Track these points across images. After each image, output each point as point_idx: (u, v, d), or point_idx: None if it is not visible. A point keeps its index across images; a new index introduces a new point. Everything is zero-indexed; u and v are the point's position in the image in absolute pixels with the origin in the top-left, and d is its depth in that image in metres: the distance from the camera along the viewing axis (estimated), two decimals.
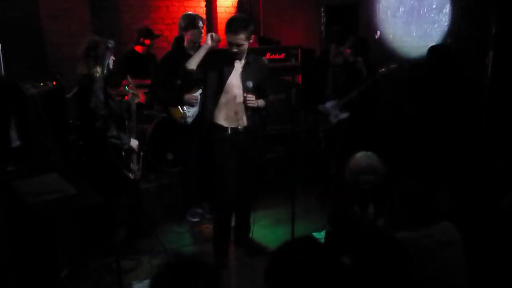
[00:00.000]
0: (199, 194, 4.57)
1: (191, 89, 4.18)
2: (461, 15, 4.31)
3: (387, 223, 2.76)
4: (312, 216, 4.42)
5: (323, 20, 5.93)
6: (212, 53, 3.57)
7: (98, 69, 3.46)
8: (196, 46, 4.28)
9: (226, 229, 3.80)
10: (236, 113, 3.56)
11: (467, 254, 2.27)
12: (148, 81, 4.85)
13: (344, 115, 4.44)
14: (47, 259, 2.91)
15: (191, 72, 3.53)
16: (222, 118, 3.58)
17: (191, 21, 4.21)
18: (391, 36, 5.02)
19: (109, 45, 3.50)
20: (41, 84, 3.52)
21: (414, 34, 4.79)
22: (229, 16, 4.09)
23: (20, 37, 5.33)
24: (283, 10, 6.65)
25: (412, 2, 4.78)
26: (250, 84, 3.50)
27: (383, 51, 5.04)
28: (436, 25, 4.56)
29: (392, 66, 4.21)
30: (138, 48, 5.57)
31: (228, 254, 3.83)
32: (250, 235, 3.99)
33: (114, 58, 3.59)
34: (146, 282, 3.39)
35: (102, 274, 3.48)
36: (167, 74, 4.20)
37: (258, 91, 3.59)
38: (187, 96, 4.22)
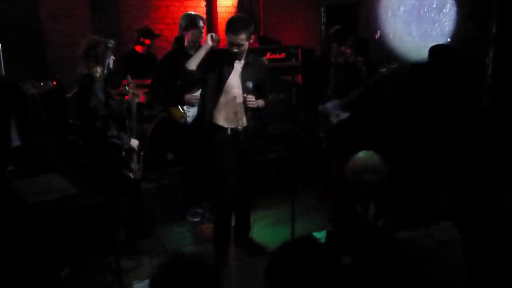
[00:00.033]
0: (199, 194, 4.57)
1: (191, 89, 4.18)
2: (461, 14, 4.31)
3: (387, 223, 2.76)
4: (312, 216, 4.43)
5: (323, 20, 5.93)
6: (211, 53, 3.56)
7: (98, 69, 3.46)
8: (197, 46, 4.28)
9: (226, 229, 3.80)
10: (235, 113, 3.56)
11: (467, 254, 2.27)
12: (148, 81, 4.85)
13: (345, 115, 4.44)
14: (47, 259, 2.91)
15: (191, 72, 3.53)
16: (222, 119, 3.58)
17: (191, 20, 4.21)
18: (391, 36, 5.02)
19: (109, 45, 3.50)
20: (41, 84, 3.52)
21: (414, 34, 4.79)
22: (229, 16, 4.09)
23: (20, 37, 5.34)
24: (283, 9, 6.65)
25: (412, 1, 4.77)
26: (250, 84, 3.50)
27: (383, 51, 5.04)
28: (436, 24, 4.56)
29: (393, 66, 4.20)
30: (138, 48, 5.58)
31: (228, 254, 3.84)
32: (250, 235, 3.99)
33: (114, 58, 3.59)
34: (147, 282, 3.37)
35: (102, 274, 3.49)
36: (168, 74, 4.20)
37: (257, 91, 3.59)
38: (188, 96, 4.21)
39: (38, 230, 2.79)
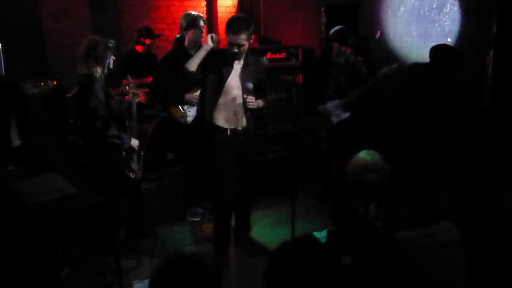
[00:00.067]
0: (199, 194, 4.57)
1: (191, 89, 4.18)
2: (461, 14, 4.31)
3: (387, 223, 2.76)
4: (312, 216, 4.43)
5: (323, 19, 5.93)
6: (211, 53, 3.55)
7: (98, 69, 3.46)
8: (197, 45, 4.27)
9: (226, 229, 3.80)
10: (235, 114, 3.55)
11: (467, 254, 2.27)
12: (149, 79, 4.85)
13: (345, 115, 4.44)
14: (47, 259, 2.91)
15: (191, 73, 3.52)
16: (221, 119, 3.57)
17: (192, 20, 4.20)
18: (391, 35, 5.02)
19: (109, 45, 3.50)
20: (42, 83, 3.52)
21: (415, 33, 4.79)
22: (230, 16, 4.09)
23: (20, 37, 5.34)
24: (283, 9, 6.65)
25: (412, 1, 4.77)
26: (250, 85, 3.50)
27: (383, 51, 5.04)
28: (436, 24, 4.56)
29: (393, 66, 4.20)
30: (139, 48, 5.58)
31: (228, 254, 3.84)
32: (250, 235, 3.99)
33: (114, 58, 3.59)
34: (147, 282, 3.37)
35: (102, 274, 3.48)
36: (168, 73, 4.20)
37: (257, 91, 3.59)
38: (188, 96, 4.22)
39: (38, 230, 2.79)
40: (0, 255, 2.54)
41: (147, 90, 4.89)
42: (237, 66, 3.53)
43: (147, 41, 5.54)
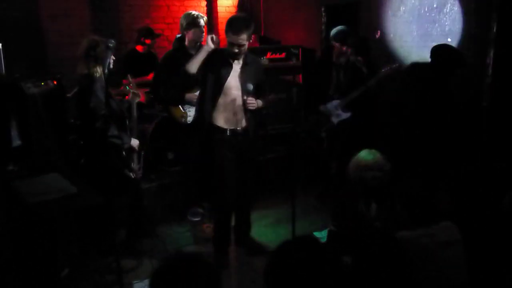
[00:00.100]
0: (199, 193, 4.57)
1: (192, 89, 4.18)
2: (461, 14, 4.31)
3: (387, 223, 2.76)
4: (312, 216, 4.43)
5: (323, 19, 5.93)
6: (210, 53, 3.55)
7: (98, 69, 3.46)
8: (198, 45, 4.28)
9: (226, 229, 3.80)
10: (234, 114, 3.55)
11: (467, 254, 2.27)
12: (149, 77, 4.85)
13: (346, 115, 4.43)
14: (47, 259, 2.92)
15: (191, 75, 3.51)
16: (221, 120, 3.56)
17: (192, 20, 4.20)
18: (391, 35, 5.02)
19: (109, 44, 3.50)
20: (42, 83, 3.52)
21: (415, 33, 4.79)
22: (230, 15, 4.09)
23: (20, 37, 5.33)
24: (283, 9, 6.65)
25: (412, 1, 4.77)
26: (250, 87, 3.49)
27: (383, 51, 5.04)
28: (436, 24, 4.56)
29: (394, 66, 4.20)
30: (139, 48, 5.57)
31: (228, 254, 3.83)
32: (250, 235, 3.99)
33: (114, 58, 3.59)
34: (147, 282, 3.38)
35: (102, 274, 3.48)
36: (168, 73, 4.19)
37: (256, 91, 3.58)
38: (188, 96, 4.22)
39: (38, 230, 2.79)
40: (0, 255, 2.54)
41: (147, 90, 4.89)
42: (236, 66, 3.53)
43: (148, 41, 5.53)
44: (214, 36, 3.51)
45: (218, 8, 7.18)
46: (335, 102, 4.46)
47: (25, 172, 3.04)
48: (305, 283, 1.56)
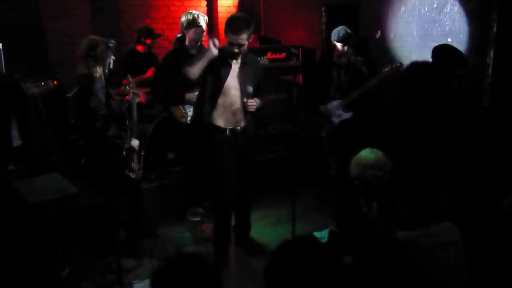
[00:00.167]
0: (199, 193, 4.57)
1: (192, 89, 4.18)
2: (461, 14, 4.31)
3: (387, 223, 2.76)
4: (312, 216, 4.43)
5: (323, 19, 5.93)
6: (206, 49, 3.53)
7: (98, 69, 3.46)
8: (198, 45, 4.28)
9: (226, 229, 3.80)
10: (234, 114, 3.55)
11: (467, 254, 2.27)
12: (148, 74, 4.85)
13: (347, 115, 4.43)
14: (47, 259, 2.92)
15: (192, 80, 3.50)
16: (220, 120, 3.56)
17: (193, 19, 4.19)
18: (391, 35, 5.02)
19: (110, 44, 3.50)
20: (42, 83, 3.52)
21: (415, 33, 4.79)
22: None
23: (20, 37, 5.33)
24: (283, 9, 6.65)
25: (412, 1, 4.77)
26: (250, 89, 3.48)
27: (383, 51, 5.04)
28: (437, 24, 4.56)
29: (395, 66, 4.20)
30: (139, 48, 5.58)
31: (228, 254, 3.84)
32: (250, 235, 3.99)
33: (114, 58, 3.59)
34: (147, 282, 3.39)
35: (102, 274, 3.48)
36: (169, 73, 4.20)
37: (256, 91, 3.58)
38: (189, 95, 4.21)
39: (38, 230, 2.79)
40: (0, 255, 2.54)
41: (147, 89, 4.89)
42: (235, 66, 3.52)
43: (148, 41, 5.53)
44: (216, 40, 3.44)
45: (218, 8, 7.18)
46: (336, 102, 4.45)
47: (25, 172, 3.04)
48: (305, 283, 1.55)
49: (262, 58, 5.33)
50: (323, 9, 5.91)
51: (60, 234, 3.19)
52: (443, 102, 3.83)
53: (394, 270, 2.21)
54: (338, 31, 4.36)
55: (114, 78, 4.08)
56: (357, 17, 5.38)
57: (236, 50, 3.39)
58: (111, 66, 3.57)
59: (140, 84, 4.69)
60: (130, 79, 4.32)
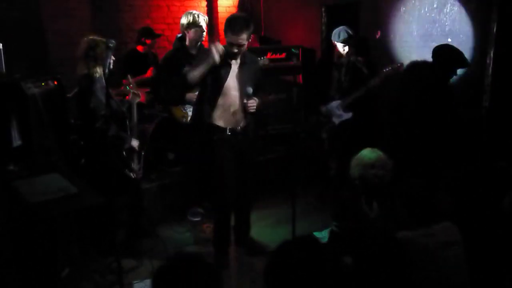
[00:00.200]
0: (199, 193, 4.57)
1: (192, 89, 4.18)
2: (461, 14, 4.31)
3: (387, 223, 2.76)
4: (312, 216, 4.43)
5: (323, 19, 5.93)
6: (206, 51, 3.52)
7: (98, 69, 3.46)
8: (198, 45, 4.28)
9: (226, 229, 3.79)
10: (234, 114, 3.54)
11: (467, 254, 2.27)
12: (147, 75, 4.85)
13: (348, 116, 4.43)
14: (47, 259, 2.92)
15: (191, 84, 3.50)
16: (220, 120, 3.55)
17: (193, 19, 4.19)
18: (391, 35, 5.02)
19: (110, 45, 3.49)
20: (42, 83, 3.51)
21: (415, 33, 4.79)
22: None
23: (20, 37, 5.33)
24: (284, 9, 6.65)
25: (412, 1, 4.78)
26: (250, 90, 3.47)
27: (383, 51, 5.04)
28: (437, 24, 4.56)
29: (396, 66, 4.20)
30: (139, 48, 5.58)
31: (228, 254, 3.83)
32: (250, 235, 3.99)
33: (114, 58, 3.59)
34: (147, 282, 3.40)
35: (102, 274, 3.49)
36: (169, 73, 4.20)
37: (255, 91, 3.57)
38: (189, 95, 4.21)
39: (38, 230, 2.79)
40: (0, 255, 2.54)
41: (148, 90, 4.89)
42: (234, 66, 3.50)
43: (148, 41, 5.53)
44: (219, 46, 3.37)
45: (218, 8, 7.18)
46: (336, 103, 4.45)
47: (25, 172, 3.03)
48: (305, 283, 1.56)
49: (262, 58, 5.33)
50: (323, 9, 5.92)
51: (60, 234, 3.19)
52: (443, 102, 3.83)
53: (394, 270, 2.21)
54: (339, 31, 4.36)
55: (114, 78, 4.08)
56: (357, 17, 5.38)
57: (236, 50, 3.37)
58: (111, 66, 3.56)
59: (140, 84, 4.69)
60: (130, 79, 4.32)
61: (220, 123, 3.55)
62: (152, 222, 4.27)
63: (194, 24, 4.19)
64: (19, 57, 4.74)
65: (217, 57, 3.33)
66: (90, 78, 3.43)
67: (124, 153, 3.73)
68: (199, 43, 4.28)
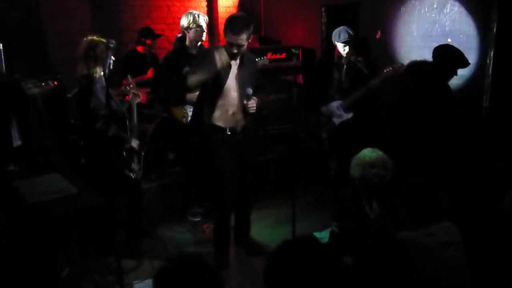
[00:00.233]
0: (199, 193, 4.57)
1: (193, 89, 4.17)
2: (461, 14, 4.31)
3: (387, 223, 2.77)
4: (312, 216, 4.43)
5: (323, 19, 5.93)
6: (207, 53, 3.52)
7: (98, 70, 3.46)
8: (199, 45, 4.27)
9: (226, 229, 3.79)
10: (233, 114, 3.54)
11: (467, 254, 2.27)
12: (147, 76, 4.84)
13: (348, 116, 4.43)
14: (47, 259, 2.92)
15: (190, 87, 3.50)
16: (220, 120, 3.55)
17: (193, 19, 4.18)
18: (391, 35, 5.02)
19: (110, 45, 3.48)
20: (43, 84, 3.51)
21: (415, 33, 4.79)
22: None
23: (20, 37, 5.33)
24: (283, 9, 6.65)
25: (412, 1, 4.78)
26: (250, 91, 3.46)
27: (383, 51, 5.04)
28: (436, 25, 4.56)
29: (396, 66, 4.20)
30: (139, 48, 5.58)
31: (228, 254, 3.83)
32: (250, 235, 3.99)
33: (114, 58, 3.58)
34: (147, 282, 3.40)
35: (102, 274, 3.49)
36: (169, 73, 4.19)
37: (254, 91, 3.57)
38: (189, 96, 4.21)
39: (38, 230, 2.79)
40: (0, 255, 2.54)
41: (148, 90, 4.89)
42: (234, 66, 3.49)
43: (148, 41, 5.54)
44: (224, 56, 3.33)
45: (218, 8, 7.18)
46: (336, 103, 4.45)
47: (25, 172, 3.03)
48: (305, 283, 1.56)
49: (262, 58, 5.33)
50: (323, 9, 5.92)
51: (60, 234, 3.19)
52: (443, 102, 3.83)
53: (394, 270, 2.21)
54: (339, 31, 4.35)
55: (114, 79, 4.08)
56: (357, 17, 5.38)
57: (235, 51, 3.35)
58: (111, 67, 3.56)
59: (140, 85, 4.69)
60: (130, 80, 4.32)
61: (219, 123, 3.55)
62: (152, 222, 4.27)
63: (194, 24, 4.19)
64: (19, 57, 4.73)
65: (219, 66, 3.31)
66: (90, 78, 3.43)
67: (124, 153, 3.73)
68: (199, 43, 4.27)
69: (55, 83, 3.66)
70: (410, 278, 2.17)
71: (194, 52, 4.24)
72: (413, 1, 4.76)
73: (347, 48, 4.35)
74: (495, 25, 4.01)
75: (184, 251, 3.92)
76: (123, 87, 4.50)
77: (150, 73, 5.31)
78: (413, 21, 4.78)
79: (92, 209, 3.23)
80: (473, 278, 2.27)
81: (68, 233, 3.42)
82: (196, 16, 4.20)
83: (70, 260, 3.40)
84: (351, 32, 4.31)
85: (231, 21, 3.32)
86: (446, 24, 4.46)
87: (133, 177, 3.81)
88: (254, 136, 3.74)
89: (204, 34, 4.27)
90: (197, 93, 4.07)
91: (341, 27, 4.36)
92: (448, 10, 4.44)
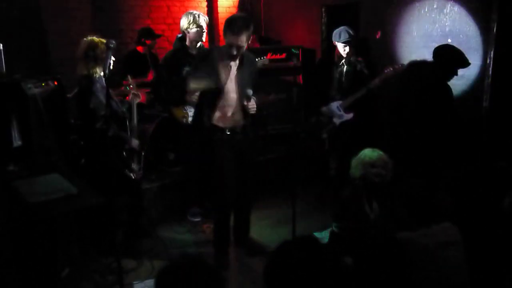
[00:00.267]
0: (199, 193, 4.57)
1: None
2: (461, 14, 4.31)
3: (387, 223, 2.77)
4: (312, 216, 4.43)
5: (323, 19, 5.93)
6: (208, 52, 3.52)
7: (98, 70, 3.46)
8: (199, 45, 4.27)
9: (226, 230, 3.79)
10: (233, 115, 3.54)
11: (467, 254, 2.27)
12: (148, 79, 4.84)
13: (349, 116, 4.42)
14: (47, 259, 2.92)
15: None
16: (220, 120, 3.54)
17: (193, 19, 4.18)
18: (391, 35, 5.02)
19: (110, 45, 3.48)
20: (43, 84, 3.51)
21: (415, 34, 4.79)
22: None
23: (21, 37, 5.33)
24: (284, 9, 6.65)
25: (413, 1, 4.78)
26: (250, 92, 3.45)
27: (383, 51, 5.04)
28: (437, 25, 4.56)
29: (397, 66, 4.20)
30: (139, 48, 5.58)
31: (228, 255, 3.83)
32: (250, 235, 3.99)
33: (114, 59, 3.58)
34: (147, 282, 3.40)
35: (102, 274, 3.49)
36: (169, 73, 4.19)
37: (254, 92, 3.57)
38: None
39: (38, 230, 2.79)
40: (0, 255, 2.54)
41: (148, 90, 4.89)
42: (234, 67, 3.49)
43: (148, 42, 5.54)
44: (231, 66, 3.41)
45: (218, 8, 7.18)
46: (337, 103, 4.45)
47: (25, 172, 3.03)
48: (305, 283, 1.56)
49: (262, 58, 5.32)
50: (323, 9, 5.92)
51: (60, 234, 3.19)
52: (443, 102, 3.83)
53: (394, 270, 2.21)
54: (340, 31, 4.34)
55: (114, 79, 4.07)
56: (357, 17, 5.39)
57: (235, 52, 3.34)
58: (111, 67, 3.56)
59: (140, 85, 4.69)
60: (130, 80, 4.32)
61: (220, 123, 3.55)
62: (152, 222, 4.27)
63: (194, 25, 4.19)
64: (19, 57, 4.74)
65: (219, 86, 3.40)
66: (90, 79, 3.44)
67: (124, 153, 3.73)
68: (199, 43, 4.27)
69: (55, 83, 3.65)
70: (410, 278, 2.17)
71: (194, 52, 4.24)
72: (413, 1, 4.76)
73: (347, 48, 4.34)
74: (495, 25, 4.01)
75: (185, 251, 3.91)
76: (123, 88, 4.50)
77: (150, 75, 5.30)
78: (413, 21, 4.78)
79: (92, 209, 3.22)
80: (473, 278, 2.27)
81: (68, 233, 3.42)
82: (196, 16, 4.20)
83: (70, 260, 3.40)
84: (351, 32, 4.30)
85: (231, 21, 3.31)
86: (446, 24, 4.46)
87: (133, 177, 3.81)
88: (254, 136, 3.74)
89: (204, 34, 4.27)
90: (197, 93, 4.09)
91: (342, 27, 4.35)
92: (448, 10, 4.44)
